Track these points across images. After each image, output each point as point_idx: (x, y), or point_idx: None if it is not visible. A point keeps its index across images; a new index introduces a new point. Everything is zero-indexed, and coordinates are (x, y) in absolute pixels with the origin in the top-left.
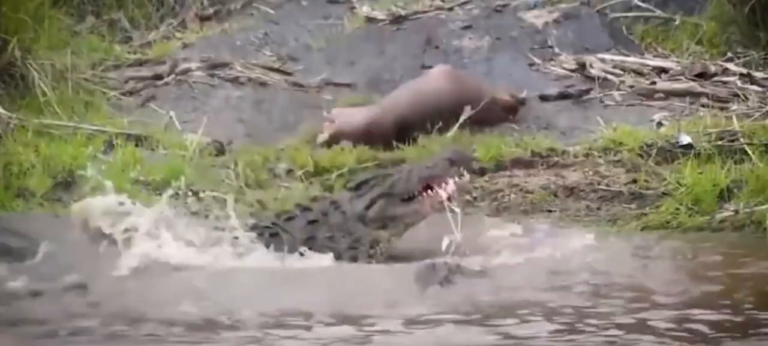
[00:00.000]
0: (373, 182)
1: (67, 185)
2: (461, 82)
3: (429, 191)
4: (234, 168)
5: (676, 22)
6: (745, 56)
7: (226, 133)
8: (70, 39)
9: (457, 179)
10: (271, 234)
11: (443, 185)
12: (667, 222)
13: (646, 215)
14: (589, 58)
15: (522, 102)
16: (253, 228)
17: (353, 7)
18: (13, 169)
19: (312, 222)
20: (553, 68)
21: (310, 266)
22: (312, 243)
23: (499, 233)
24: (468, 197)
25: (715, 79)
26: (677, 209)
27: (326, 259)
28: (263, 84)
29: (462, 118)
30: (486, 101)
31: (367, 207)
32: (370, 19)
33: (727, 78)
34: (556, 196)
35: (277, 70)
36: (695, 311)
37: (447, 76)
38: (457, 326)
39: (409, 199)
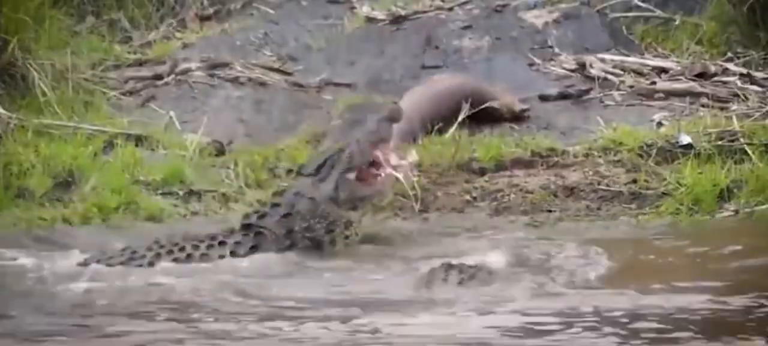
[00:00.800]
0: (330, 162)
1: (67, 184)
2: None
3: (386, 171)
4: (234, 168)
5: (676, 22)
6: (745, 56)
7: (226, 133)
8: (70, 39)
9: (410, 158)
10: (256, 233)
11: (401, 163)
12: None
13: (646, 214)
14: (589, 58)
15: (524, 111)
16: (232, 232)
17: (353, 7)
18: (13, 170)
19: (286, 215)
20: (553, 68)
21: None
22: (292, 236)
23: None
24: (468, 197)
25: (715, 79)
26: (677, 209)
27: None
28: (263, 84)
29: (461, 116)
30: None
31: (335, 188)
32: (370, 19)
33: (727, 78)
34: (556, 196)
35: (277, 70)
36: None
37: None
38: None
39: (372, 179)
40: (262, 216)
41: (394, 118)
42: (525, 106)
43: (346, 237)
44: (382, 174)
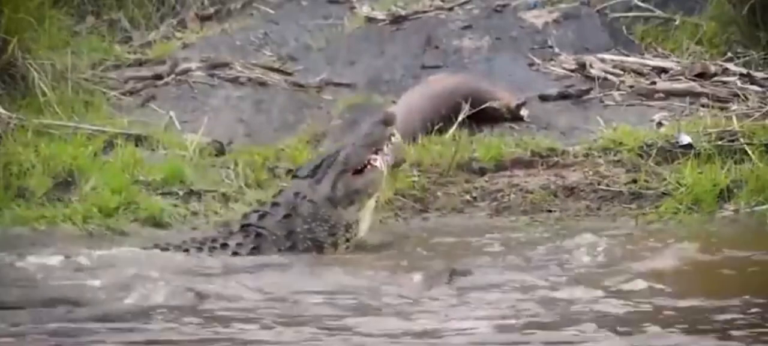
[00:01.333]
0: (326, 163)
1: (67, 184)
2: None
3: (373, 161)
4: (234, 168)
5: (676, 22)
6: (745, 56)
7: (226, 133)
8: (70, 39)
9: (392, 141)
10: (256, 234)
11: (381, 152)
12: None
13: (645, 214)
14: (589, 58)
15: (519, 106)
16: (231, 234)
17: (353, 7)
18: (13, 170)
19: (287, 216)
20: (553, 68)
21: None
22: (293, 237)
23: None
24: (468, 197)
25: (715, 79)
26: (677, 208)
27: None
28: (263, 84)
29: (461, 116)
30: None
31: (333, 187)
32: (370, 19)
33: (727, 78)
34: (556, 196)
35: (277, 70)
36: None
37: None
38: None
39: (361, 170)
40: (263, 216)
41: (388, 122)
42: (520, 101)
43: (348, 240)
44: (372, 164)
